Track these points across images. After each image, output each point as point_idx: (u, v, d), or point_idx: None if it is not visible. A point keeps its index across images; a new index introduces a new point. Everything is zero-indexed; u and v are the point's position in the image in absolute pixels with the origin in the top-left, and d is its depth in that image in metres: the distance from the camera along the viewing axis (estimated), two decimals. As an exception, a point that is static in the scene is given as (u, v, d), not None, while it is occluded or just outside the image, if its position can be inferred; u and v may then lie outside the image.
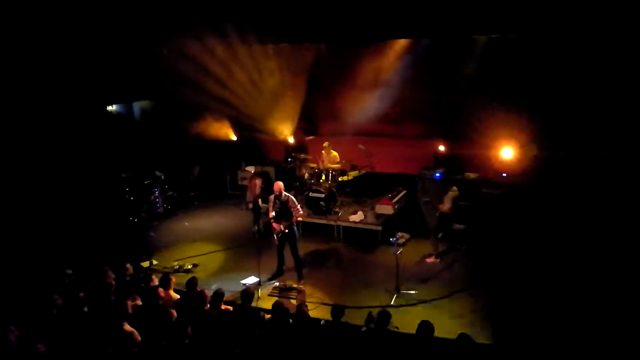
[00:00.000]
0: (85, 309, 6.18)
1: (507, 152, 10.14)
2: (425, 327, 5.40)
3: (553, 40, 9.02)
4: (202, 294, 6.23)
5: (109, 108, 11.75)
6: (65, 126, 9.82)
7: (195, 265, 9.10)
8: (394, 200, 10.43)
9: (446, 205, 8.93)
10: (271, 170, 12.00)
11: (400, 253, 8.21)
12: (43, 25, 8.81)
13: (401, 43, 11.16)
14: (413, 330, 5.53)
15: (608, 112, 8.93)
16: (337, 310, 5.89)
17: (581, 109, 9.13)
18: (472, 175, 10.66)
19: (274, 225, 8.31)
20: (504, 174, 10.22)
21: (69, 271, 7.21)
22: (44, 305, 6.18)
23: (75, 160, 10.02)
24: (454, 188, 9.03)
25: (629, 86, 8.57)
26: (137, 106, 12.62)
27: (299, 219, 8.79)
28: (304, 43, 11.44)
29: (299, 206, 8.44)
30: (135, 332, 5.51)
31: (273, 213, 8.29)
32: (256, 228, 8.71)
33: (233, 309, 6.38)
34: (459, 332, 5.43)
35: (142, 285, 6.79)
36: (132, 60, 10.66)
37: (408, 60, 11.34)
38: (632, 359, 5.92)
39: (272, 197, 8.38)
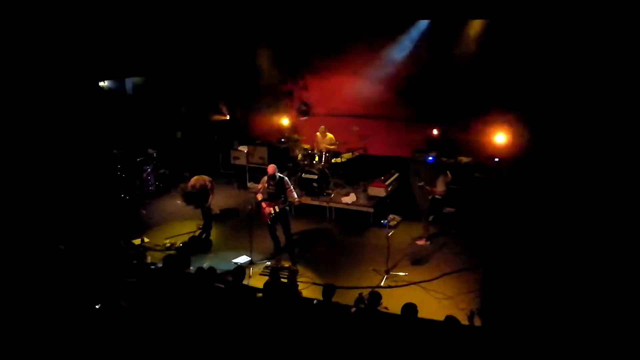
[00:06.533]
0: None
1: (500, 137, 10.20)
2: (409, 309, 5.48)
3: (548, 24, 9.00)
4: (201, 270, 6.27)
5: (101, 84, 11.62)
6: (57, 102, 9.70)
7: (185, 243, 9.12)
8: (386, 183, 10.48)
9: (439, 189, 8.99)
10: (264, 150, 11.98)
11: (391, 235, 8.28)
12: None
13: (397, 25, 11.10)
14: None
15: (604, 97, 8.96)
16: (328, 290, 5.95)
17: (576, 94, 9.15)
18: (464, 159, 10.72)
19: (265, 208, 8.32)
20: (497, 159, 10.30)
21: (61, 246, 7.19)
22: (39, 281, 6.19)
23: (67, 136, 9.93)
24: (447, 172, 9.09)
25: (627, 73, 8.59)
26: (129, 82, 12.47)
27: (296, 203, 8.81)
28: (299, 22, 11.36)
29: (292, 187, 8.46)
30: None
31: (261, 196, 8.35)
32: (250, 207, 8.74)
33: (225, 286, 6.43)
34: (447, 313, 5.52)
35: (135, 262, 6.81)
36: (124, 35, 10.51)
37: (403, 42, 11.31)
38: (624, 341, 6.01)
39: (264, 178, 8.39)
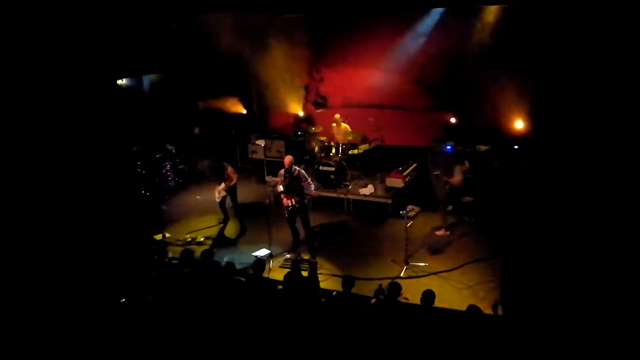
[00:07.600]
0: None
1: (519, 125, 10.06)
2: (428, 296, 5.48)
3: (564, 9, 8.84)
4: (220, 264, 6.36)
5: (119, 82, 11.75)
6: (76, 101, 9.83)
7: (207, 238, 9.23)
8: (404, 174, 10.42)
9: (457, 179, 8.92)
10: (281, 143, 12.01)
11: (410, 226, 8.24)
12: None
13: (412, 14, 11.00)
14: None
15: (618, 83, 8.78)
16: (348, 282, 5.97)
17: (591, 79, 8.98)
18: (483, 147, 10.60)
19: (284, 200, 8.36)
20: (516, 147, 10.17)
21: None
22: (61, 277, 6.33)
23: (86, 134, 10.06)
24: (465, 162, 9.01)
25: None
26: (146, 80, 12.60)
27: (311, 196, 8.81)
28: (314, 14, 11.32)
29: (309, 180, 8.45)
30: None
31: (281, 187, 8.32)
32: (268, 201, 8.81)
33: (245, 279, 6.50)
34: (468, 303, 5.50)
35: (156, 257, 6.91)
36: (141, 34, 10.60)
37: (419, 31, 11.20)
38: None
39: (281, 171, 8.40)
